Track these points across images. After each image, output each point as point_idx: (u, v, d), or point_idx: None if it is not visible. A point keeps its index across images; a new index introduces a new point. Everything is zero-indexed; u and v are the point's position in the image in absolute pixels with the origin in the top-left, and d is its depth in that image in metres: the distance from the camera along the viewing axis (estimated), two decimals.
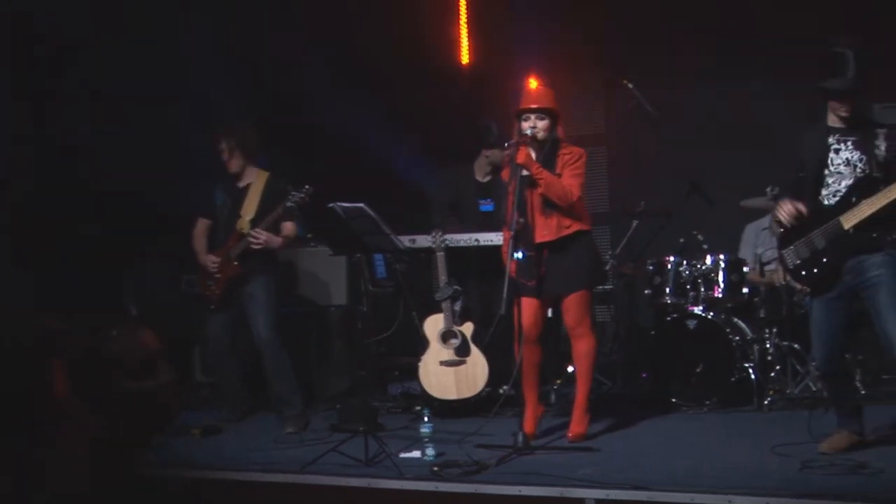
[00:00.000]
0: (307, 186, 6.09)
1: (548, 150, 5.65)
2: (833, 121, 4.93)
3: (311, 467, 5.13)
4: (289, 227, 6.39)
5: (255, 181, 6.44)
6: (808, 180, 4.97)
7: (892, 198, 4.65)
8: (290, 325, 6.85)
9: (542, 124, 5.60)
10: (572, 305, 5.66)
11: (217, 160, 6.48)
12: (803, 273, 4.98)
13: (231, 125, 6.47)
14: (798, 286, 6.33)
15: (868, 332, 5.49)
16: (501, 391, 6.15)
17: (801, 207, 4.89)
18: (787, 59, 7.19)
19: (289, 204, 6.13)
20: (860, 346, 6.41)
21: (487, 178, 7.06)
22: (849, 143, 4.86)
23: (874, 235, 4.75)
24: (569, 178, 5.58)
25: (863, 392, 6.27)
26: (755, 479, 4.58)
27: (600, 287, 7.41)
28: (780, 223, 5.09)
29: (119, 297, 7.29)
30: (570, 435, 5.67)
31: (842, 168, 4.87)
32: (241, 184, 6.46)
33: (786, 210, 4.94)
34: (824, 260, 4.88)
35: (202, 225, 6.57)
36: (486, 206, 7.04)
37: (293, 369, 6.40)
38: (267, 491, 5.04)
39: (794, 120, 5.17)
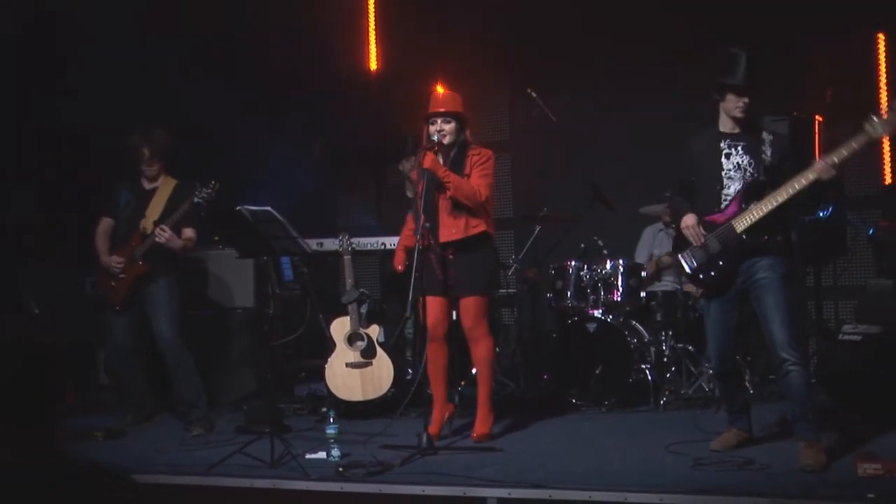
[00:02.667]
0: (213, 182, 5.98)
1: (457, 153, 5.68)
2: (724, 125, 5.01)
3: (217, 469, 5.06)
4: (188, 232, 6.27)
5: (163, 185, 6.32)
6: (701, 184, 5.06)
7: (780, 202, 4.78)
8: (196, 328, 6.75)
9: (448, 127, 5.63)
10: (470, 308, 5.67)
11: (126, 160, 6.33)
12: (701, 276, 5.07)
13: (153, 131, 6.30)
14: (693, 290, 6.49)
15: (756, 336, 5.64)
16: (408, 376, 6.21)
17: (703, 232, 4.98)
18: (684, 71, 7.32)
19: (196, 199, 5.99)
20: (749, 348, 6.60)
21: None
22: (738, 148, 4.95)
23: (766, 238, 4.87)
24: (477, 179, 5.61)
25: (751, 392, 6.44)
26: (650, 476, 4.65)
27: (504, 291, 7.48)
28: (675, 226, 5.19)
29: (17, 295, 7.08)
30: (475, 435, 5.70)
31: (732, 172, 4.95)
32: (149, 186, 6.33)
33: (692, 230, 4.99)
34: (720, 263, 4.96)
35: (105, 224, 6.40)
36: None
37: (197, 371, 6.29)
38: (173, 493, 4.95)
39: (690, 129, 5.27)
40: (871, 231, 7.33)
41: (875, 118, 4.57)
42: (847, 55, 7.38)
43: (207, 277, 7.51)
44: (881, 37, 7.77)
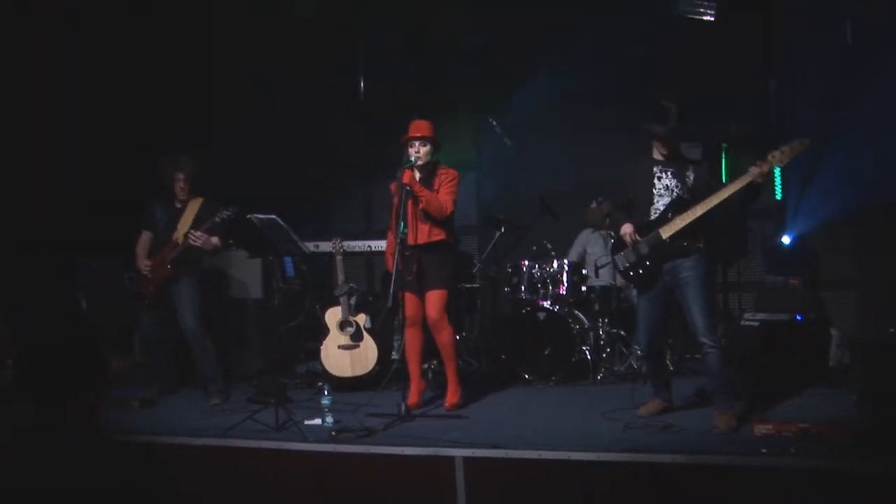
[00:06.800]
0: (234, 208, 5.95)
1: (428, 172, 5.69)
2: (656, 155, 5.10)
3: (232, 432, 5.07)
4: (215, 240, 6.23)
5: (191, 204, 6.28)
6: (638, 199, 5.14)
7: (698, 214, 4.87)
8: (215, 316, 6.72)
9: (423, 150, 5.64)
10: (434, 300, 5.65)
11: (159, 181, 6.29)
12: (631, 273, 5.14)
13: (187, 159, 6.24)
14: (626, 284, 6.54)
15: (675, 321, 5.69)
16: (394, 357, 6.22)
17: (637, 237, 5.06)
18: (612, 111, 7.35)
19: (217, 220, 5.98)
20: (670, 332, 6.64)
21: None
22: (668, 173, 5.05)
23: (685, 244, 4.94)
24: (444, 195, 5.63)
25: (672, 368, 6.49)
26: (590, 438, 4.70)
27: (470, 285, 7.49)
28: (616, 233, 5.26)
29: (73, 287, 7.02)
30: (446, 405, 5.72)
31: (662, 192, 5.05)
32: (179, 205, 6.29)
33: (629, 235, 5.08)
34: (647, 263, 5.04)
35: (145, 237, 6.37)
36: None
37: (216, 352, 6.27)
38: (194, 452, 4.94)
39: (619, 156, 5.34)
40: (789, 241, 7.39)
41: (770, 155, 4.68)
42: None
43: (224, 274, 7.49)
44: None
